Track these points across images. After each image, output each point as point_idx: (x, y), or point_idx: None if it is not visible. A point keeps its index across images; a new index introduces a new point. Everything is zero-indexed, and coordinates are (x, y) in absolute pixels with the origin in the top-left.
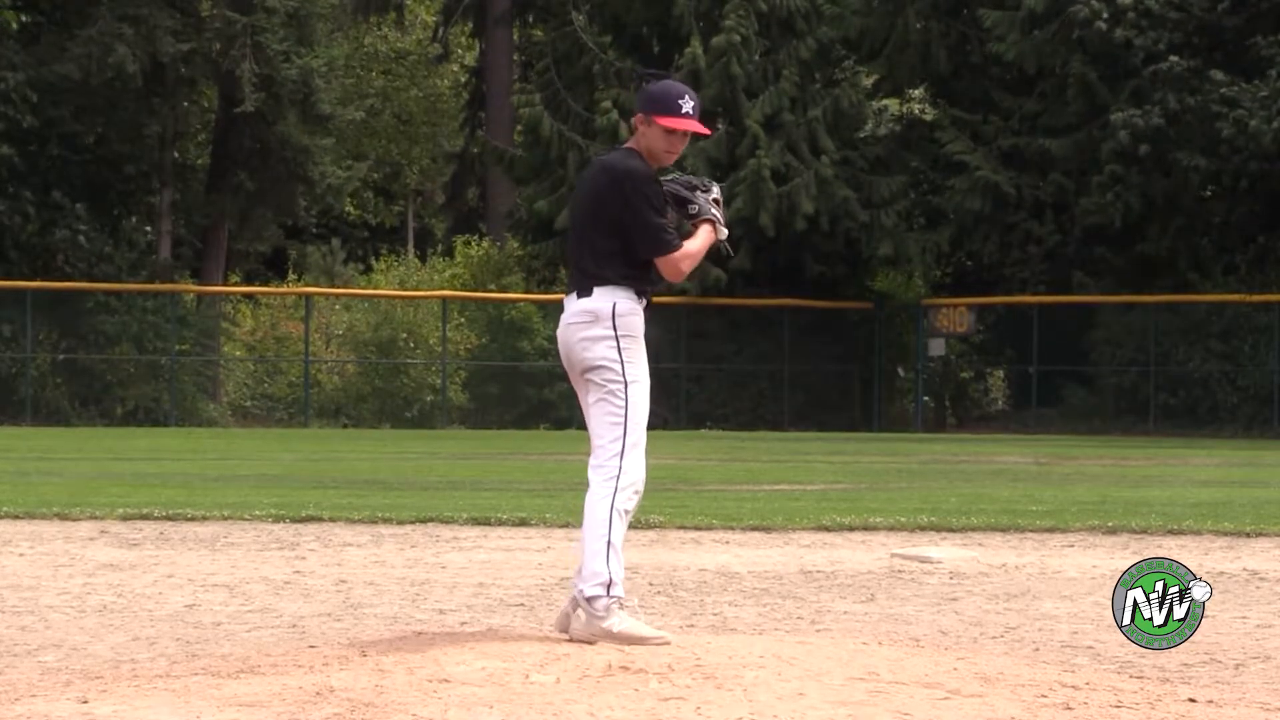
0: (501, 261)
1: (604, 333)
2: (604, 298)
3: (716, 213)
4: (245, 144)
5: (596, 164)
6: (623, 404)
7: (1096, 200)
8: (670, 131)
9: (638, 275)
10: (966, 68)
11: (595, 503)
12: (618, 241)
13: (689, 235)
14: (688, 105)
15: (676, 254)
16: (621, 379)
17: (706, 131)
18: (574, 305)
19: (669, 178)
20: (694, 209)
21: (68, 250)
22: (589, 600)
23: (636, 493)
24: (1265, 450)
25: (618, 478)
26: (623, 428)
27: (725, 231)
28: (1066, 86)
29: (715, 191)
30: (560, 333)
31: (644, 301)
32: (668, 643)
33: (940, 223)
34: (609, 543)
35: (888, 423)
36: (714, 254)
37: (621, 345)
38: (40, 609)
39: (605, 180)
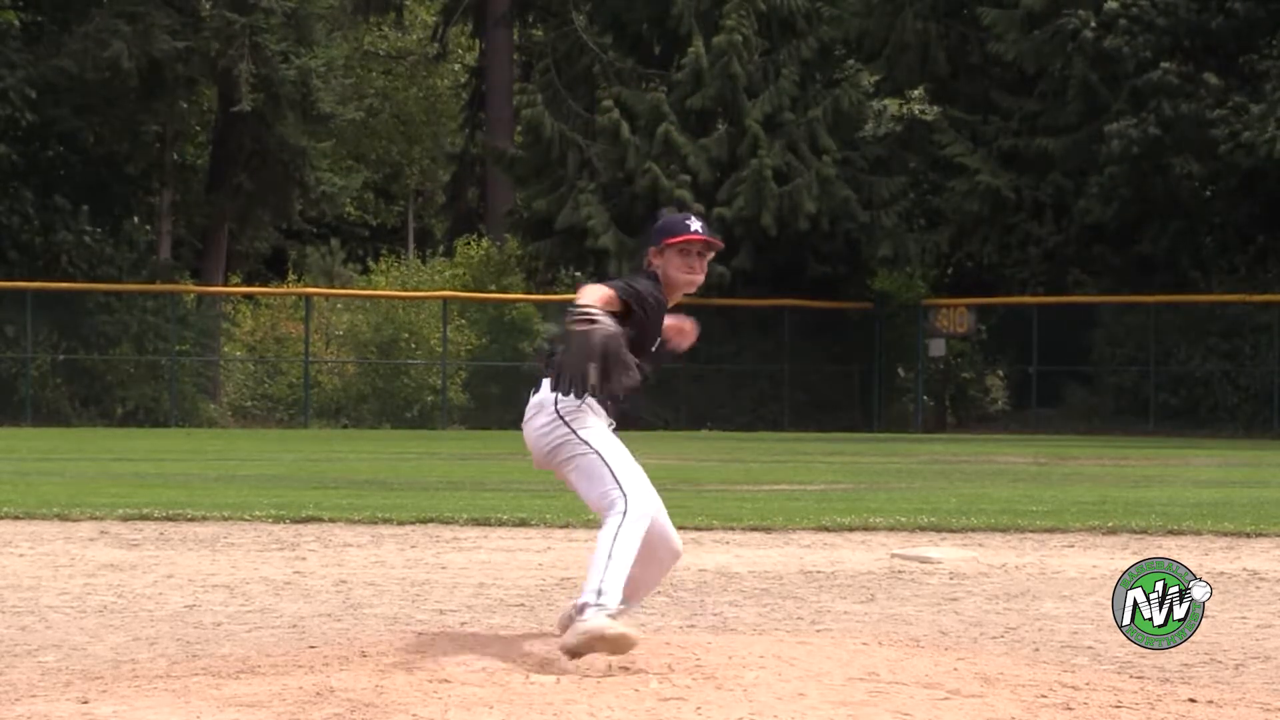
0: (502, 262)
1: (548, 418)
2: (546, 388)
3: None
4: (245, 145)
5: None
6: (592, 453)
7: (1093, 201)
8: (685, 251)
9: None
10: (966, 68)
11: (603, 534)
12: None
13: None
14: (695, 225)
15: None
16: (577, 440)
17: (720, 243)
18: (529, 402)
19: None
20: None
21: (71, 251)
22: (579, 610)
23: (648, 517)
24: (1265, 450)
25: (625, 505)
26: (606, 466)
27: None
28: (1066, 87)
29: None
30: (524, 432)
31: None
32: (633, 641)
33: (940, 223)
34: (610, 556)
35: (888, 423)
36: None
37: (566, 420)
38: (40, 609)
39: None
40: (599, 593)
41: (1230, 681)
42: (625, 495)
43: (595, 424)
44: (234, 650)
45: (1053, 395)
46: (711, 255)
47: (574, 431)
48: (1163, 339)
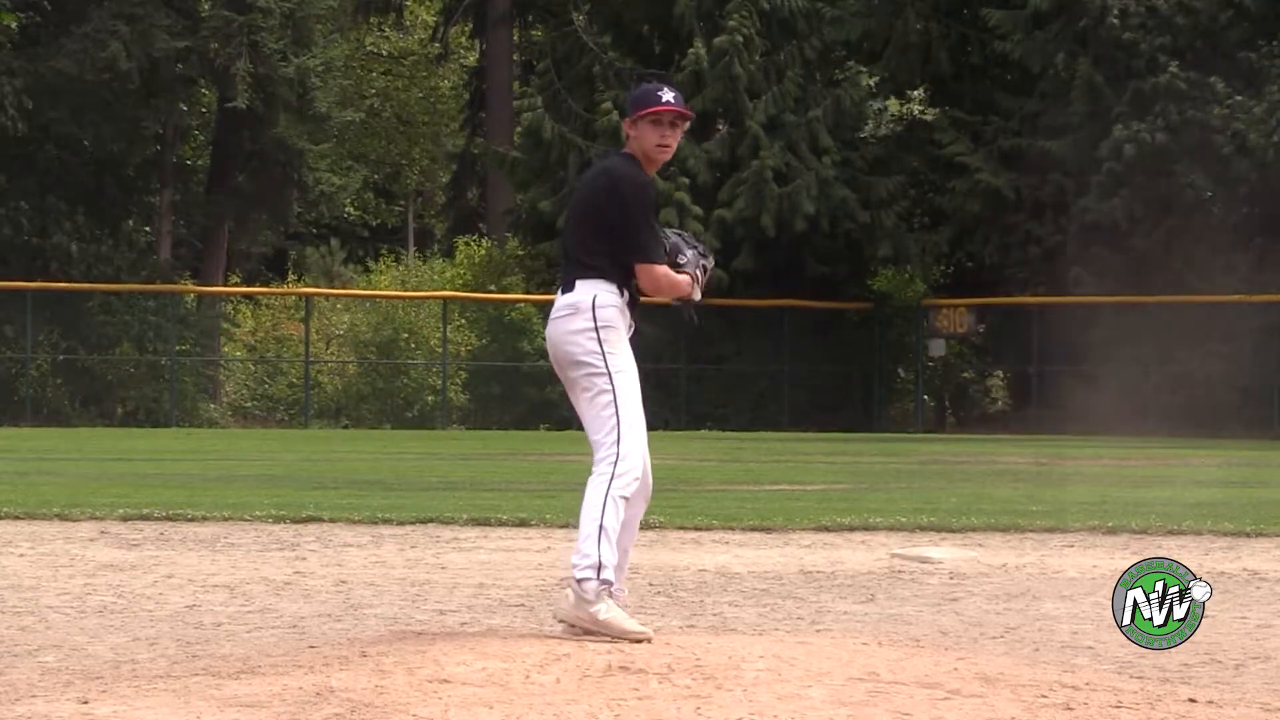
0: (502, 262)
1: (584, 324)
2: (585, 290)
3: (700, 275)
4: (244, 145)
5: (598, 166)
6: (610, 394)
7: (1095, 201)
8: (657, 121)
9: (620, 273)
10: (967, 69)
11: (591, 488)
12: (606, 243)
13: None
14: (668, 94)
15: (659, 268)
16: (605, 371)
17: (689, 113)
18: (558, 301)
19: (675, 230)
20: (683, 260)
21: (61, 257)
22: (579, 582)
23: (636, 479)
24: (1265, 450)
25: (615, 464)
26: (615, 417)
27: (699, 295)
28: (1070, 88)
29: (709, 260)
30: (548, 330)
31: (626, 295)
32: (648, 638)
33: (940, 223)
34: (601, 526)
35: (888, 423)
36: (678, 311)
37: (601, 336)
38: (40, 609)
39: (605, 182)
40: (598, 567)
41: (1230, 681)
42: (618, 455)
43: (622, 348)
44: (234, 650)
45: (1053, 395)
46: (684, 126)
47: (603, 354)
48: (1163, 339)
